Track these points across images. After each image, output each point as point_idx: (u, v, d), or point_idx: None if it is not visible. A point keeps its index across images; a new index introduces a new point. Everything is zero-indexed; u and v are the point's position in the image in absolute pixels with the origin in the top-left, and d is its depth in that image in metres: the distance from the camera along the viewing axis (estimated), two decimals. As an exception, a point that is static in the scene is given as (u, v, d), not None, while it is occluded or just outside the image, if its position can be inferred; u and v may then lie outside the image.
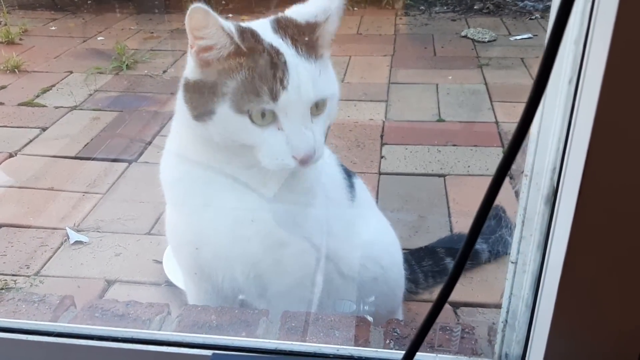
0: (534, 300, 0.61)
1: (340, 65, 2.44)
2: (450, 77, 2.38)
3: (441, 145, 1.89)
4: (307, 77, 0.73)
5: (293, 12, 0.80)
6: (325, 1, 0.77)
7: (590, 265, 0.53)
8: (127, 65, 2.36)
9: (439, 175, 1.71)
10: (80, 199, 1.61)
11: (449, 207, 1.57)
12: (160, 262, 1.35)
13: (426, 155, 1.84)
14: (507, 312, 0.65)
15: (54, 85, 2.30)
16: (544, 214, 0.57)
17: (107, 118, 2.04)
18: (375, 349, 0.70)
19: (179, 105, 0.80)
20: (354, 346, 0.79)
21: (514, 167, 0.64)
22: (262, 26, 0.78)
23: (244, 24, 0.77)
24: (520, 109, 0.43)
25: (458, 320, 1.22)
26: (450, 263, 1.24)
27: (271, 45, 0.74)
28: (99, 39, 2.76)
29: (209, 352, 0.64)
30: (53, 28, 2.94)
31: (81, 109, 2.11)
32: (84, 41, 2.75)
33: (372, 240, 1.00)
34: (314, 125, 0.75)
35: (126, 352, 0.69)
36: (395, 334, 0.86)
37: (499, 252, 1.22)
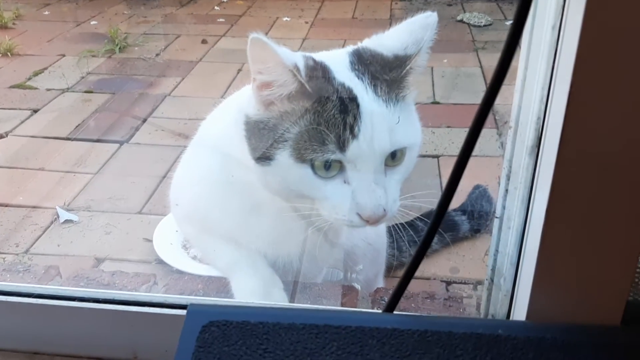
0: (518, 256, 0.60)
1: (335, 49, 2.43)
2: (445, 61, 2.37)
3: (435, 127, 1.88)
4: (382, 124, 0.64)
5: (376, 43, 0.70)
6: (417, 30, 0.67)
7: (572, 218, 0.52)
8: (120, 48, 2.35)
9: (433, 156, 1.71)
10: (71, 179, 1.60)
11: (442, 188, 1.56)
12: (151, 241, 1.34)
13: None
14: (492, 269, 0.64)
15: (46, 68, 2.29)
16: (528, 166, 0.57)
17: (99, 100, 2.03)
18: (360, 309, 0.69)
19: (239, 137, 0.70)
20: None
21: (498, 117, 0.63)
22: (337, 60, 0.68)
23: (317, 57, 0.68)
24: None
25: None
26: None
27: (343, 85, 0.65)
28: (92, 23, 2.74)
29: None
30: (46, 13, 2.92)
31: (73, 91, 2.10)
32: (77, 25, 2.73)
33: None
34: (388, 179, 0.66)
35: (106, 312, 0.68)
36: (383, 302, 0.86)
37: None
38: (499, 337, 0.50)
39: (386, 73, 0.66)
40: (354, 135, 0.63)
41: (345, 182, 0.65)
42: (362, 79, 0.66)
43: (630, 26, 0.45)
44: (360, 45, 0.71)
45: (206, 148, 0.89)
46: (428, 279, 1.22)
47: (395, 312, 0.56)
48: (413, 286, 0.63)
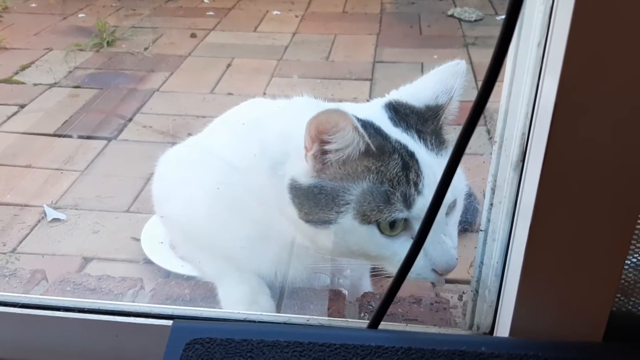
0: (503, 269, 0.60)
1: (325, 43, 2.42)
2: (435, 56, 2.37)
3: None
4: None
5: (406, 95, 0.69)
6: (447, 78, 0.66)
7: (555, 233, 0.52)
8: (107, 42, 2.33)
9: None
10: (58, 176, 1.59)
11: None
12: (139, 240, 1.33)
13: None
14: (477, 281, 0.64)
15: (33, 62, 2.27)
16: (512, 181, 0.57)
17: (87, 95, 2.01)
18: (346, 319, 0.69)
19: (281, 198, 0.67)
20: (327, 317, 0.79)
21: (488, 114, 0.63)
22: (377, 116, 0.66)
23: (361, 115, 0.65)
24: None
25: (436, 294, 1.22)
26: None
27: (398, 142, 0.63)
28: (79, 16, 2.71)
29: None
30: (33, 5, 2.89)
31: (60, 86, 2.08)
32: (65, 18, 2.70)
33: None
34: (449, 227, 0.65)
35: (90, 322, 0.67)
36: (370, 307, 0.86)
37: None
38: (482, 355, 0.50)
39: (425, 126, 0.65)
40: (418, 192, 0.62)
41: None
42: (409, 133, 0.65)
43: (614, 47, 0.45)
44: (390, 98, 0.70)
45: (211, 159, 0.85)
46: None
47: (380, 327, 0.56)
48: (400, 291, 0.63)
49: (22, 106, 1.95)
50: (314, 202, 0.64)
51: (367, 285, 1.03)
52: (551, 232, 0.52)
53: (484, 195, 0.61)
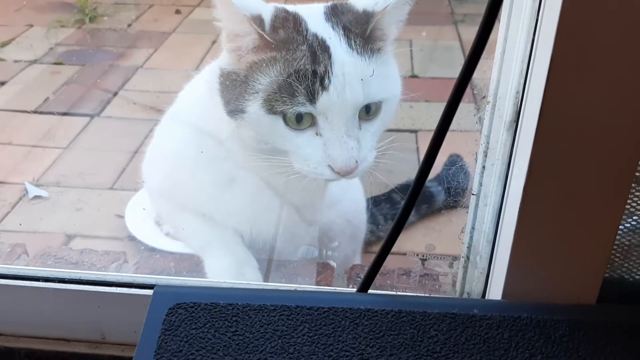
0: (494, 234, 0.59)
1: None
2: (424, 34, 2.34)
3: (414, 102, 1.86)
4: (355, 76, 0.62)
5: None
6: None
7: (549, 196, 0.51)
8: (90, 18, 2.27)
9: (411, 131, 1.69)
10: (40, 153, 1.55)
11: (420, 162, 1.55)
12: (123, 217, 1.31)
13: (398, 111, 1.81)
14: (468, 247, 0.63)
15: (13, 39, 2.21)
16: (505, 142, 0.55)
17: (69, 72, 1.97)
18: (334, 288, 0.68)
19: (213, 93, 0.69)
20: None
21: (477, 92, 0.62)
22: (313, 12, 0.67)
23: (291, 9, 0.66)
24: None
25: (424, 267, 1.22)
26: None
27: (316, 36, 0.63)
28: (61, -9, 2.65)
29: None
30: (13, -19, 2.81)
31: (41, 63, 2.03)
32: (46, -6, 2.63)
33: (342, 195, 0.97)
34: (362, 132, 0.65)
35: (71, 293, 0.65)
36: (359, 279, 0.85)
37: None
38: (474, 317, 0.49)
39: (355, 27, 0.65)
40: (324, 87, 0.61)
41: (317, 134, 0.64)
42: (336, 30, 0.64)
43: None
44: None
45: (179, 120, 0.86)
46: (404, 254, 1.22)
47: (369, 292, 0.55)
48: (388, 262, 0.63)
49: (2, 83, 1.91)
50: (231, 88, 0.66)
51: (358, 258, 1.03)
52: (545, 194, 0.51)
53: (475, 158, 0.60)
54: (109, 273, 0.71)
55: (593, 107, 0.48)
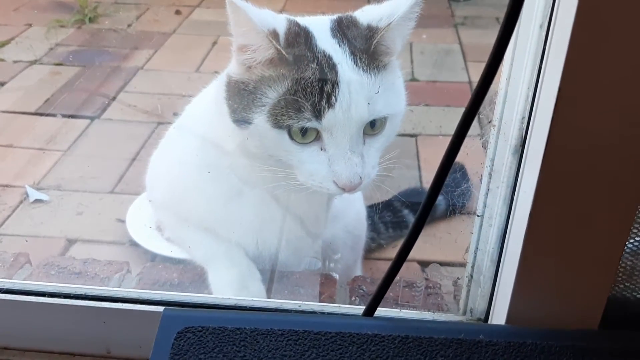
0: (499, 255, 0.59)
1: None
2: (424, 36, 2.34)
3: (414, 105, 1.86)
4: (361, 94, 0.63)
5: (360, 13, 0.69)
6: (397, 5, 0.65)
7: (556, 220, 0.52)
8: (89, 18, 2.26)
9: (411, 135, 1.69)
10: (40, 156, 1.55)
11: (420, 167, 1.55)
12: (124, 221, 1.31)
13: (398, 115, 1.81)
14: (473, 266, 0.63)
15: (12, 39, 2.20)
16: (511, 166, 0.56)
17: (69, 73, 1.96)
18: (338, 305, 0.68)
19: (219, 100, 0.70)
20: (318, 302, 0.78)
21: (482, 117, 0.62)
22: (320, 27, 0.67)
23: (302, 22, 0.66)
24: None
25: (425, 277, 1.22)
26: (408, 215, 1.25)
27: (324, 53, 0.64)
28: (60, -10, 2.63)
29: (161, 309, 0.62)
30: (12, -21, 2.80)
31: (41, 64, 2.02)
32: (45, -8, 2.62)
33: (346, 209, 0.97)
34: (366, 147, 0.66)
35: (76, 308, 0.66)
36: (362, 291, 0.85)
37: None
38: (479, 343, 0.49)
39: (359, 43, 0.65)
40: (330, 105, 0.62)
41: (322, 149, 0.64)
42: (342, 46, 0.65)
43: (622, 26, 0.44)
44: (345, 14, 0.69)
45: (185, 133, 0.86)
46: (407, 261, 1.22)
47: (376, 314, 0.55)
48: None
49: (2, 84, 1.90)
50: (239, 98, 0.66)
51: (358, 271, 1.03)
52: (551, 219, 0.51)
53: (480, 180, 0.60)
54: (114, 288, 0.71)
55: (600, 134, 0.48)
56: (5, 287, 0.68)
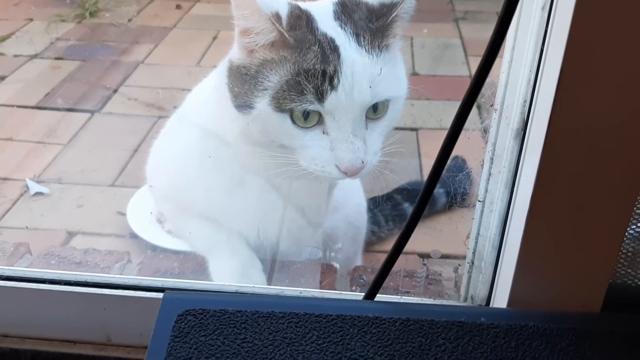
0: (500, 240, 0.59)
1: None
2: (425, 31, 2.34)
3: (415, 99, 1.86)
4: (364, 76, 0.63)
5: None
6: None
7: (557, 204, 0.51)
8: (90, 12, 2.26)
9: (412, 129, 1.69)
10: (41, 150, 1.55)
11: (420, 161, 1.55)
12: (124, 214, 1.31)
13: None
14: (474, 252, 0.63)
15: (13, 33, 2.20)
16: (513, 150, 0.55)
17: (69, 67, 1.96)
18: (339, 291, 0.68)
19: (221, 87, 0.70)
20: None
21: (483, 100, 0.62)
22: (323, 9, 0.66)
23: (304, 6, 0.66)
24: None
25: (423, 263, 1.23)
26: (408, 208, 1.25)
27: (325, 36, 0.63)
28: (61, -15, 2.63)
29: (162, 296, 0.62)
30: (12, -27, 2.80)
31: (42, 58, 2.02)
32: (46, -13, 2.62)
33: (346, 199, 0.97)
34: (369, 131, 0.65)
35: (77, 295, 0.66)
36: (362, 280, 0.85)
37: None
38: (481, 325, 0.49)
39: (372, 22, 0.65)
40: (332, 87, 0.62)
41: (324, 133, 0.64)
42: (344, 28, 0.64)
43: (623, 8, 0.43)
44: None
45: (186, 122, 0.86)
46: (408, 253, 1.22)
47: (376, 299, 0.55)
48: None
49: (2, 78, 1.90)
50: (241, 83, 0.66)
51: (359, 259, 1.03)
52: (553, 202, 0.51)
53: (482, 165, 0.60)
54: (115, 275, 0.71)
55: (602, 117, 0.48)
56: (5, 275, 0.68)
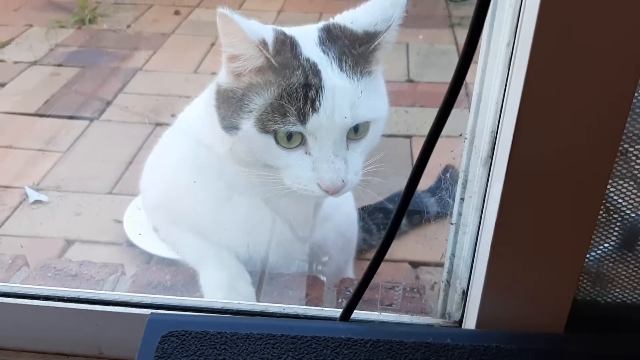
0: (472, 260, 0.62)
1: (310, 22, 2.40)
2: (421, 37, 2.35)
3: (409, 106, 1.88)
4: (345, 100, 0.66)
5: (346, 19, 0.71)
6: (387, 7, 0.68)
7: (519, 228, 0.54)
8: (89, 19, 2.29)
9: (405, 137, 1.71)
10: (40, 157, 1.58)
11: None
12: (121, 222, 1.34)
13: (393, 116, 1.82)
14: (449, 272, 0.66)
15: (13, 39, 2.22)
16: (482, 176, 0.58)
17: (68, 74, 1.98)
18: (321, 308, 0.71)
19: (209, 108, 0.72)
20: (303, 305, 0.81)
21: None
22: (307, 35, 0.69)
23: (288, 31, 0.69)
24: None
25: (417, 279, 1.25)
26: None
27: (308, 60, 0.66)
28: (61, -9, 2.66)
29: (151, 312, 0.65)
30: (12, -21, 2.82)
31: (41, 64, 2.05)
32: (46, -7, 2.64)
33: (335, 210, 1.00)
34: (350, 151, 0.68)
35: (71, 311, 0.69)
36: (348, 292, 0.88)
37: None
38: (447, 346, 0.52)
39: (355, 48, 0.68)
40: (314, 109, 0.64)
41: (306, 153, 0.67)
42: (327, 53, 0.67)
43: (576, 46, 0.46)
44: (331, 21, 0.72)
45: (177, 139, 0.89)
46: (395, 261, 1.24)
47: (353, 317, 0.58)
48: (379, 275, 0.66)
49: (2, 85, 1.92)
50: (228, 105, 0.69)
51: (350, 272, 1.06)
52: (516, 226, 0.54)
53: (454, 190, 0.63)
54: (106, 292, 0.74)
55: (559, 146, 0.50)
56: (2, 291, 0.71)
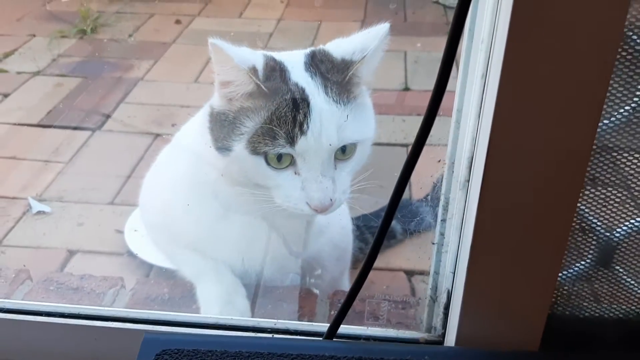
0: (452, 279, 0.65)
1: (309, 31, 2.42)
2: (419, 45, 2.37)
3: (406, 115, 1.90)
4: (331, 123, 0.69)
5: (333, 46, 0.74)
6: (369, 38, 0.71)
7: (493, 249, 0.57)
8: (91, 29, 2.32)
9: (402, 145, 1.73)
10: (43, 168, 1.61)
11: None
12: (122, 232, 1.37)
13: (390, 125, 1.85)
14: (432, 289, 0.69)
15: (16, 50, 2.26)
16: (460, 199, 0.61)
17: (71, 84, 2.01)
18: (311, 323, 0.74)
19: (203, 130, 0.75)
20: (296, 319, 0.84)
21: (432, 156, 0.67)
22: (295, 60, 0.73)
23: (278, 57, 0.73)
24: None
25: (411, 288, 1.27)
26: (395, 225, 1.29)
27: (297, 85, 0.70)
28: (63, 0, 2.69)
29: (148, 327, 0.68)
30: (16, -12, 2.85)
31: (44, 75, 2.08)
32: (48, 2, 2.68)
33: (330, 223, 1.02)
34: (338, 171, 0.71)
35: (71, 327, 0.72)
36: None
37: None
38: (425, 364, 0.55)
39: (333, 75, 0.71)
40: (302, 132, 0.68)
41: (296, 174, 0.70)
42: (314, 79, 0.71)
43: (541, 78, 0.48)
44: (319, 47, 0.76)
45: (174, 158, 0.92)
46: (390, 270, 1.26)
47: (340, 332, 0.61)
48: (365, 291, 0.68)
49: (5, 95, 1.95)
50: (220, 127, 0.72)
51: (346, 282, 1.08)
52: (490, 247, 0.56)
53: (437, 211, 0.66)
54: (105, 308, 0.77)
55: (529, 173, 0.53)
56: (5, 307, 0.74)
